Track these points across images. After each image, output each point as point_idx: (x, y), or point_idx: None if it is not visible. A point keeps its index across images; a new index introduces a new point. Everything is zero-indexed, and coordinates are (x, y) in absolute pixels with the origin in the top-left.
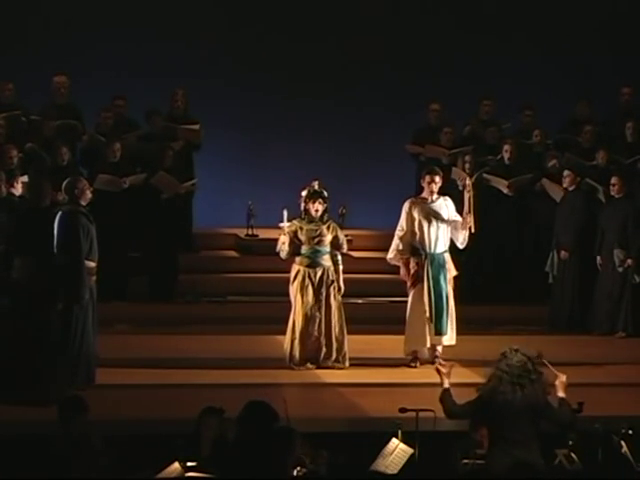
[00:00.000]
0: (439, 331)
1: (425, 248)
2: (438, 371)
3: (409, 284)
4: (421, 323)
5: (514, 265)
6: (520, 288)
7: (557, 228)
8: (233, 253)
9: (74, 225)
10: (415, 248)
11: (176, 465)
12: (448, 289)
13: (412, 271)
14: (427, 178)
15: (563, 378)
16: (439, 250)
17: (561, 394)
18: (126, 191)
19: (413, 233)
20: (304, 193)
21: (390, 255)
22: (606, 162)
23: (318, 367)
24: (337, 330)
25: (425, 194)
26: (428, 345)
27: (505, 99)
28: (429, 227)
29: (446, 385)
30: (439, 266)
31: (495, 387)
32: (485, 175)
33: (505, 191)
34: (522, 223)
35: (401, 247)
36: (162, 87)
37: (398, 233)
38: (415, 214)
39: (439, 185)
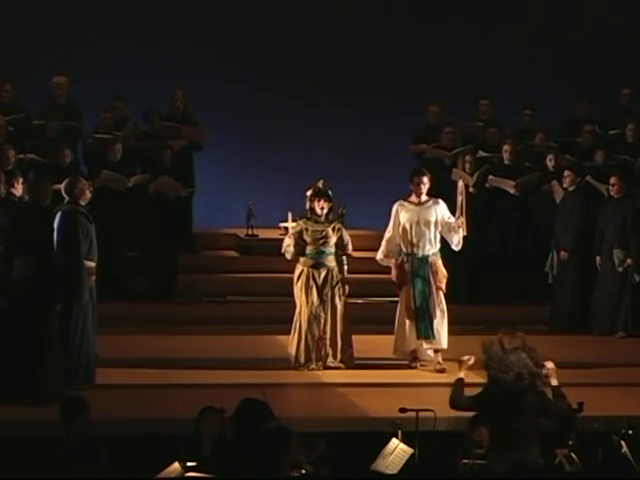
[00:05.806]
0: (422, 334)
1: (411, 250)
2: (460, 361)
3: (397, 286)
4: (408, 325)
5: (514, 265)
6: (520, 288)
7: (557, 228)
8: (233, 253)
9: (73, 225)
10: (401, 250)
11: (176, 465)
12: (435, 292)
13: (399, 273)
14: (414, 179)
15: (551, 364)
16: (425, 253)
17: (554, 382)
18: (126, 191)
19: (400, 236)
20: (309, 192)
21: (379, 256)
22: (605, 162)
23: (324, 367)
24: (342, 331)
25: (414, 196)
26: (411, 348)
27: (505, 99)
28: (415, 230)
29: (461, 375)
30: (425, 268)
31: (498, 382)
32: (491, 177)
33: (512, 191)
34: (523, 223)
35: (388, 249)
36: (162, 87)
37: (386, 235)
38: (401, 217)
39: (427, 186)
